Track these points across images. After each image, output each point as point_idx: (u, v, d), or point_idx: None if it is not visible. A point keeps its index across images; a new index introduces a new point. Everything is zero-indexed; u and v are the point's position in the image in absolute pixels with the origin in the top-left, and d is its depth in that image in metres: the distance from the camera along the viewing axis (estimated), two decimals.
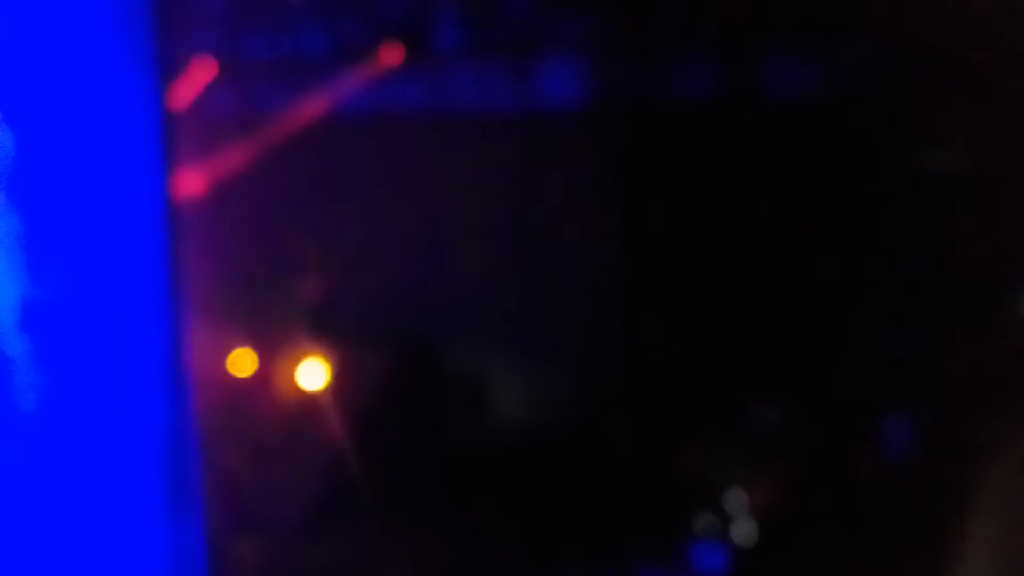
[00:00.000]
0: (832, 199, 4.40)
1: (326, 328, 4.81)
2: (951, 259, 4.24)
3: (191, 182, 4.36)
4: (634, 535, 4.36)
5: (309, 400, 4.58)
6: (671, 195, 4.70)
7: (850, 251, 4.36)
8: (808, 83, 4.62)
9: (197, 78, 4.63)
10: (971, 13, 3.84)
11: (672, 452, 4.54)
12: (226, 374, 4.66)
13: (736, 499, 4.32)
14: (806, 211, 4.43)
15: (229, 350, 4.69)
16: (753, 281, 4.52)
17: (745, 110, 4.66)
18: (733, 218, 4.54)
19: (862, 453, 4.26)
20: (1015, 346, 3.92)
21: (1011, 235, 3.99)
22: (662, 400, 4.75)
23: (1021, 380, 3.60)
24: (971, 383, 3.93)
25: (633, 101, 4.81)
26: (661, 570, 4.22)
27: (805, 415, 4.41)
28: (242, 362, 4.75)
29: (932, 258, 4.32)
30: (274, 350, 4.75)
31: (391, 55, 5.02)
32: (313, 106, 5.03)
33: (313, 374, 4.63)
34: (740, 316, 4.57)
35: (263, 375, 4.68)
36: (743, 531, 4.29)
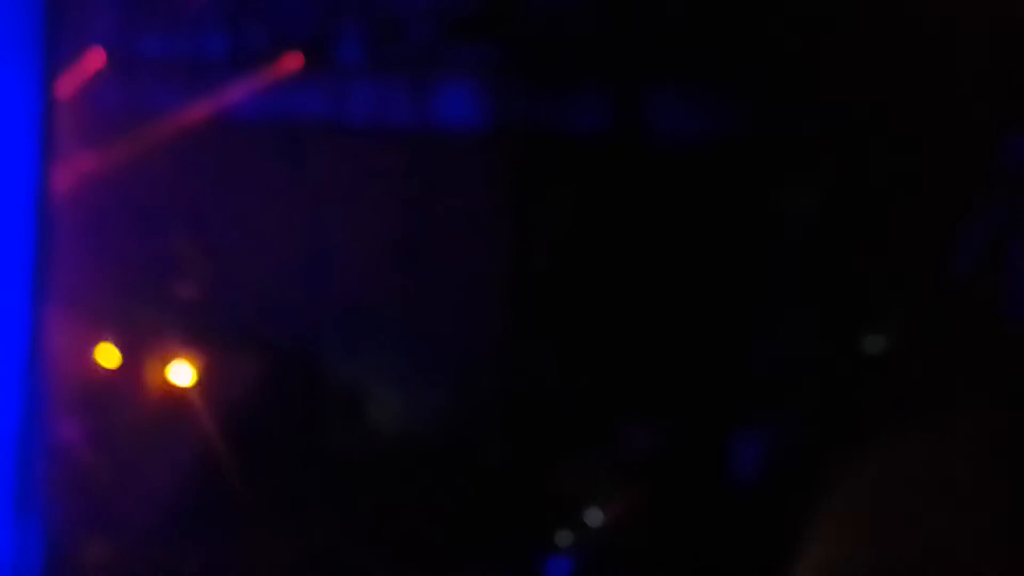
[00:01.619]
0: (705, 233, 4.52)
1: (199, 327, 4.69)
2: (814, 293, 4.40)
3: (72, 172, 4.21)
4: (496, 545, 4.36)
5: (175, 399, 4.44)
6: (554, 220, 4.76)
7: (719, 282, 4.49)
8: (690, 122, 4.74)
9: (87, 69, 4.49)
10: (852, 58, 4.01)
11: (541, 467, 4.57)
12: (89, 370, 4.50)
13: (595, 514, 4.37)
14: (680, 243, 4.54)
15: (95, 344, 4.53)
16: (627, 307, 4.61)
17: (630, 144, 4.75)
18: (612, 245, 4.62)
19: (718, 472, 4.35)
20: (865, 379, 4.07)
21: (872, 271, 4.17)
22: (535, 417, 4.78)
23: (867, 410, 3.74)
24: (822, 411, 4.07)
25: (525, 128, 4.86)
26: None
27: (667, 437, 4.49)
28: (107, 356, 4.60)
29: (796, 291, 4.47)
30: (143, 347, 4.60)
31: (291, 63, 4.95)
32: (205, 107, 4.91)
33: (181, 373, 4.50)
34: (614, 339, 4.65)
35: (128, 371, 4.53)
36: (598, 543, 4.33)
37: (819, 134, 4.35)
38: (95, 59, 4.57)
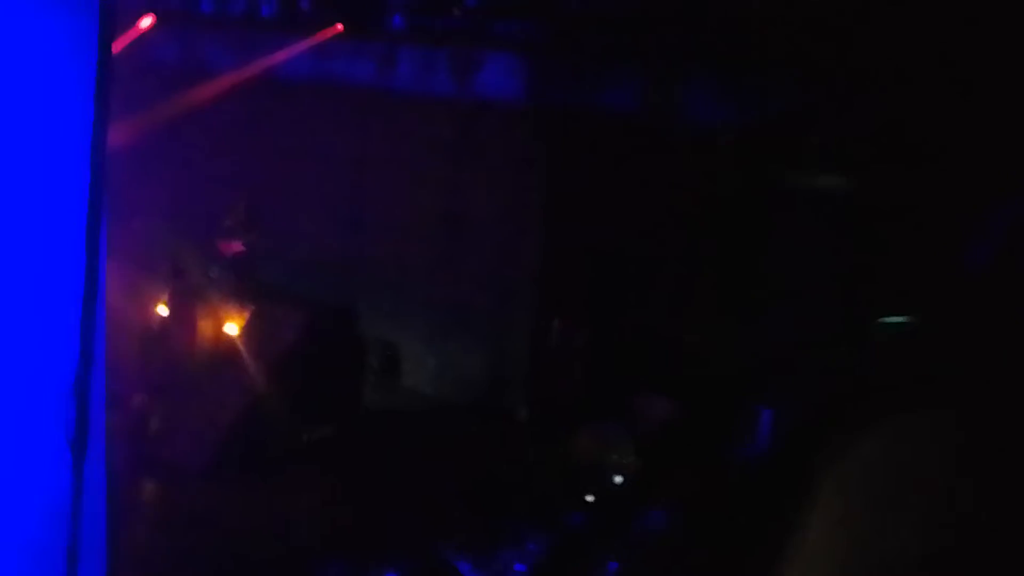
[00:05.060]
0: (725, 216, 4.49)
1: (246, 281, 4.66)
2: (824, 276, 4.34)
3: (127, 127, 4.17)
4: (517, 502, 4.34)
5: (222, 349, 4.43)
6: (586, 198, 4.72)
7: (736, 263, 4.45)
8: (718, 109, 4.67)
9: (140, 25, 4.44)
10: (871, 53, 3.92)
11: (563, 432, 4.56)
12: (142, 316, 4.49)
13: (612, 478, 4.34)
14: (702, 225, 4.51)
15: (149, 293, 4.52)
16: (650, 284, 4.59)
17: (659, 128, 4.69)
18: (637, 223, 4.59)
19: (730, 443, 4.30)
20: (870, 361, 3.99)
21: (878, 258, 4.10)
22: (562, 387, 4.76)
23: (872, 390, 3.67)
24: (832, 391, 4.00)
25: (559, 105, 4.80)
26: (535, 532, 4.20)
27: (685, 409, 4.45)
28: (160, 306, 4.59)
29: (808, 275, 4.41)
30: (192, 297, 4.58)
31: (340, 28, 4.89)
32: (256, 66, 4.87)
33: (229, 325, 4.48)
34: (637, 315, 4.62)
35: (179, 320, 4.51)
36: (613, 506, 4.30)
37: (845, 122, 4.26)
38: (150, 15, 4.52)
